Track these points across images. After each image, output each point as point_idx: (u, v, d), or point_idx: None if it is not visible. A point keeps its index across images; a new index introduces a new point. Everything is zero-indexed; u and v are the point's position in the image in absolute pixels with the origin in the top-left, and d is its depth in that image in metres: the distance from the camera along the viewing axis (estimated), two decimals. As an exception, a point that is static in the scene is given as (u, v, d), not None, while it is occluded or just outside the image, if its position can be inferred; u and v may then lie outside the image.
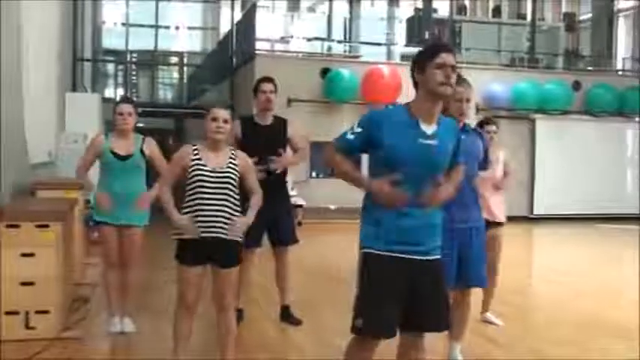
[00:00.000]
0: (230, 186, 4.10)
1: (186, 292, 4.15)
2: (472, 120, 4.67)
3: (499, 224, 5.81)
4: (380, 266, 3.15)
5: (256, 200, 4.29)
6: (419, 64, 3.19)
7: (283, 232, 5.72)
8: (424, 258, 3.20)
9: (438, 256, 3.27)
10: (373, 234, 3.18)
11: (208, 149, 4.15)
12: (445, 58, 3.13)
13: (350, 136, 3.21)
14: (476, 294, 5.68)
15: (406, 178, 3.07)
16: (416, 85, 3.23)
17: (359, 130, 3.19)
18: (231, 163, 4.14)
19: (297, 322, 5.76)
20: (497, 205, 5.78)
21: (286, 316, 5.82)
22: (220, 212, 4.05)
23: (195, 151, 4.14)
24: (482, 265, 4.51)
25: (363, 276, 3.20)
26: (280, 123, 5.72)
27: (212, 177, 4.06)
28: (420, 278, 3.17)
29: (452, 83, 3.14)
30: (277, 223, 5.65)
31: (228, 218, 4.08)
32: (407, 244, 3.15)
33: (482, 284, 4.67)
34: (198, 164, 4.08)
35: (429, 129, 3.17)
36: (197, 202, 4.04)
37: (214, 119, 4.12)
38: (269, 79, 5.74)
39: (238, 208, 4.16)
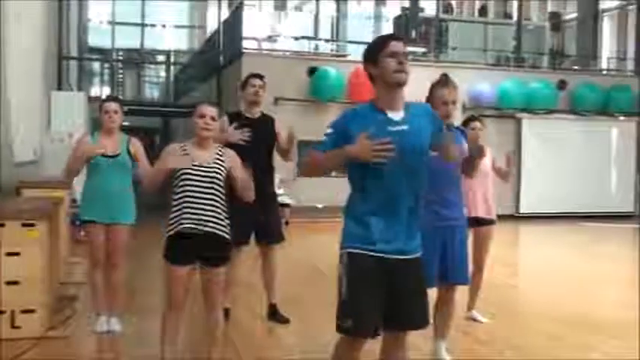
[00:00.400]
0: (217, 182, 4.10)
1: (174, 291, 4.14)
2: (456, 120, 4.70)
3: (493, 222, 5.86)
4: (362, 265, 3.15)
5: (247, 183, 4.26)
6: (371, 57, 3.20)
7: (271, 230, 5.73)
8: (404, 257, 3.20)
9: (418, 255, 3.27)
10: (354, 233, 3.18)
11: (195, 146, 4.15)
12: (396, 45, 3.16)
13: (324, 139, 3.23)
14: (461, 292, 5.73)
15: (385, 167, 3.07)
16: (372, 78, 3.24)
17: (330, 131, 3.22)
18: (217, 159, 4.14)
19: (284, 321, 5.77)
20: (493, 203, 5.84)
21: (273, 314, 5.83)
22: (208, 208, 4.05)
23: (183, 149, 4.14)
24: (465, 263, 4.55)
25: (345, 276, 3.19)
26: (268, 119, 5.76)
27: (199, 173, 4.06)
28: (400, 277, 3.17)
29: (406, 70, 3.15)
30: (265, 221, 5.67)
31: (216, 214, 4.08)
32: (387, 243, 3.15)
33: (465, 282, 4.70)
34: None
35: (396, 116, 3.18)
36: (185, 198, 4.04)
37: (202, 116, 4.12)
38: (258, 76, 5.80)
39: (225, 207, 4.16)
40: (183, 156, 4.08)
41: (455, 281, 4.55)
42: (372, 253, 3.14)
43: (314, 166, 3.31)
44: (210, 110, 4.15)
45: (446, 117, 4.34)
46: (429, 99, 4.42)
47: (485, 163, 5.77)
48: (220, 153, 4.19)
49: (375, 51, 3.19)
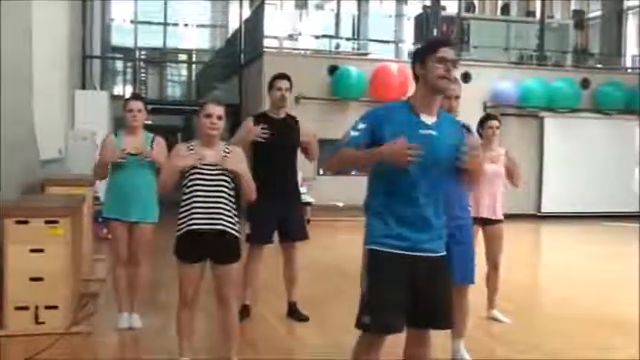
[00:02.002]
0: (225, 181, 4.12)
1: (185, 288, 4.18)
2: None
3: (501, 221, 5.82)
4: (386, 263, 3.18)
5: (250, 183, 4.25)
6: (420, 58, 3.24)
7: (294, 228, 5.74)
8: (430, 255, 3.22)
9: (443, 254, 3.29)
10: (378, 231, 3.21)
11: (202, 145, 4.17)
12: (446, 52, 3.19)
13: (354, 133, 3.22)
14: (481, 292, 5.72)
15: (409, 173, 3.11)
16: (416, 78, 3.28)
17: (363, 125, 3.22)
18: (225, 157, 4.15)
19: (303, 319, 5.78)
20: (500, 203, 5.80)
21: (293, 312, 5.85)
22: (216, 206, 4.08)
23: (191, 148, 4.17)
24: (470, 263, 4.54)
25: (368, 272, 3.22)
26: (293, 119, 5.78)
27: (207, 172, 4.08)
28: (423, 275, 3.19)
29: (452, 77, 3.21)
30: (288, 219, 5.68)
31: (225, 212, 4.10)
32: (410, 241, 3.18)
33: (470, 281, 4.68)
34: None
35: (429, 120, 3.22)
36: (193, 197, 4.07)
37: (208, 115, 4.13)
38: (284, 76, 5.76)
39: (233, 205, 4.18)
40: (189, 155, 4.11)
41: (462, 281, 4.54)
42: (394, 251, 3.17)
43: (343, 162, 3.31)
44: (217, 109, 4.15)
45: (449, 111, 4.34)
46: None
47: (497, 163, 5.75)
48: (227, 151, 4.21)
49: (425, 53, 3.23)
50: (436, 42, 3.31)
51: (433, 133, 3.19)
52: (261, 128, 5.52)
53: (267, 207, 5.41)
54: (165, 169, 4.27)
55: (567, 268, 9.36)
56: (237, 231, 4.18)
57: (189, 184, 4.09)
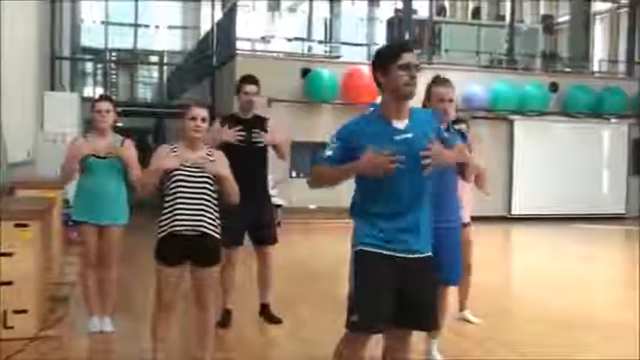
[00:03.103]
0: (208, 184, 4.12)
1: (164, 292, 4.16)
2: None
3: (469, 225, 5.87)
4: (373, 264, 3.20)
5: (233, 185, 4.26)
6: (381, 65, 3.20)
7: (264, 232, 5.73)
8: (416, 256, 3.24)
9: (429, 254, 3.32)
10: (365, 232, 3.23)
11: (186, 148, 4.17)
12: (408, 58, 3.16)
13: (328, 152, 3.24)
14: (452, 293, 5.76)
15: (393, 176, 3.11)
16: (379, 85, 3.25)
17: (336, 144, 3.23)
18: (208, 160, 4.15)
19: (276, 321, 5.78)
20: (468, 206, 5.85)
21: (266, 314, 5.84)
22: (199, 209, 4.08)
23: (174, 150, 4.16)
24: (458, 265, 4.58)
25: (356, 274, 3.24)
26: (261, 119, 5.74)
27: (190, 175, 4.08)
28: (410, 276, 3.21)
29: (416, 83, 3.17)
30: (259, 222, 5.66)
31: (208, 215, 4.10)
32: (399, 243, 3.20)
33: (455, 282, 4.74)
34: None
35: (401, 124, 3.21)
36: (176, 199, 4.06)
37: (193, 118, 4.14)
38: (251, 80, 5.70)
39: (216, 207, 4.18)
40: (171, 157, 4.10)
41: (446, 281, 4.58)
42: (381, 251, 3.20)
43: (323, 180, 3.33)
44: (201, 112, 4.16)
45: (444, 114, 4.39)
46: (426, 97, 4.46)
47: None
48: (210, 154, 4.21)
49: (387, 60, 3.18)
50: (397, 49, 3.25)
51: (408, 136, 3.19)
52: (229, 129, 5.48)
53: (235, 210, 5.41)
54: (147, 171, 4.25)
55: (538, 270, 9.47)
56: (218, 233, 4.17)
57: (172, 185, 4.08)
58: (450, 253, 4.50)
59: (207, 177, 4.12)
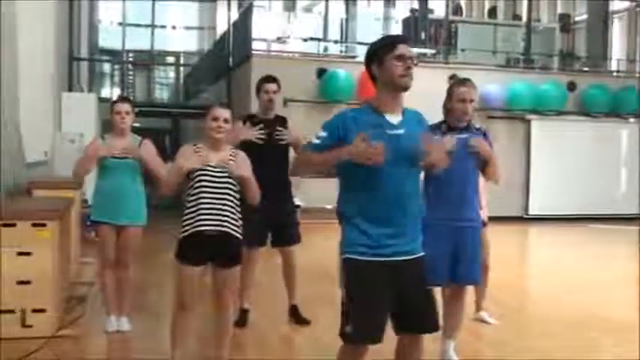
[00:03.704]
0: (231, 184, 4.14)
1: (185, 292, 4.18)
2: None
3: (486, 224, 5.84)
4: (364, 272, 3.15)
5: (255, 187, 4.29)
6: (376, 58, 3.17)
7: (288, 232, 5.71)
8: (408, 257, 3.20)
9: (420, 254, 3.27)
10: (355, 239, 3.18)
11: (209, 148, 4.18)
12: (403, 49, 3.13)
13: (316, 141, 3.21)
14: (469, 293, 5.74)
15: (381, 171, 3.07)
16: (373, 78, 3.22)
17: (324, 134, 3.20)
18: (231, 161, 4.17)
19: (304, 322, 5.73)
20: (486, 206, 5.83)
21: (294, 315, 5.80)
22: (222, 209, 4.09)
23: (197, 150, 4.17)
24: (476, 264, 4.56)
25: (348, 282, 3.19)
26: (282, 119, 5.74)
27: (214, 175, 4.10)
28: (404, 279, 3.17)
29: (412, 75, 3.13)
30: (282, 222, 5.65)
31: (231, 215, 4.12)
32: (387, 247, 3.15)
33: (476, 282, 4.73)
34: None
35: (394, 119, 3.18)
36: (199, 199, 4.08)
37: (215, 119, 4.15)
38: (272, 79, 5.73)
39: (238, 208, 4.20)
40: (195, 156, 4.11)
41: (466, 281, 4.57)
42: (372, 258, 3.14)
43: (309, 165, 3.30)
44: (223, 112, 4.18)
45: (464, 114, 4.39)
46: (447, 97, 4.46)
47: None
48: (233, 155, 4.23)
49: (382, 52, 3.16)
50: (392, 40, 3.23)
51: (400, 132, 3.16)
52: (252, 127, 5.49)
53: (257, 210, 5.42)
54: (171, 170, 4.29)
55: (554, 270, 9.41)
56: (240, 234, 4.19)
57: (196, 185, 4.10)
58: (472, 253, 4.49)
59: (230, 178, 4.13)
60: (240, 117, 5.79)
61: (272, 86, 5.68)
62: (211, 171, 4.10)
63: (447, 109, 4.49)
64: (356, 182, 3.17)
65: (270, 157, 5.44)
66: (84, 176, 5.49)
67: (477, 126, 4.60)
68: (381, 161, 3.02)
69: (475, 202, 4.53)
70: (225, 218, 4.10)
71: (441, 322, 4.53)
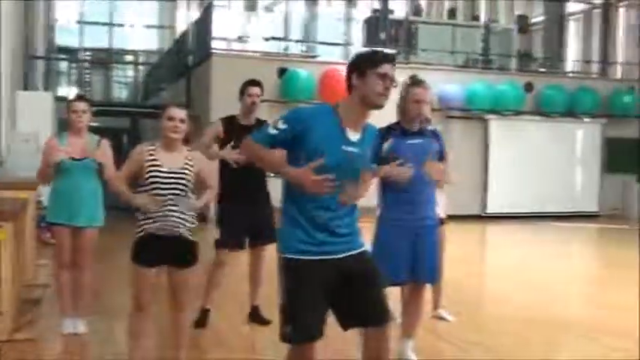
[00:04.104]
0: (184, 186, 4.11)
1: (141, 293, 4.14)
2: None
3: (442, 222, 5.90)
4: (304, 271, 3.13)
5: (210, 194, 4.32)
6: (360, 69, 3.15)
7: (264, 231, 5.57)
8: (349, 254, 3.20)
9: (364, 248, 3.28)
10: (295, 237, 3.16)
11: (164, 149, 4.15)
12: (388, 69, 3.12)
13: (273, 131, 3.13)
14: (428, 291, 5.79)
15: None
16: (350, 87, 3.19)
17: (284, 126, 3.11)
18: (186, 163, 4.14)
19: (265, 322, 5.68)
20: (441, 203, 5.88)
21: (255, 316, 5.77)
22: (176, 211, 4.06)
23: (151, 151, 4.14)
24: (434, 262, 4.60)
25: (286, 282, 3.17)
26: (262, 124, 5.70)
27: (167, 177, 4.06)
28: (350, 274, 3.17)
29: (388, 96, 3.14)
30: (259, 223, 5.57)
31: (184, 217, 4.10)
32: (329, 245, 3.15)
33: (434, 281, 4.76)
34: (153, 164, 4.08)
35: (354, 136, 3.17)
36: None
37: (171, 118, 4.12)
38: (256, 83, 5.75)
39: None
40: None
41: (424, 280, 4.61)
42: (311, 257, 3.13)
43: (250, 154, 3.27)
44: (179, 112, 4.15)
45: (418, 115, 4.42)
46: (401, 98, 4.47)
47: None
48: (189, 156, 4.20)
49: (366, 65, 3.14)
50: (379, 57, 3.20)
51: (355, 150, 3.15)
52: (226, 132, 5.45)
53: (236, 212, 5.40)
54: (117, 177, 4.32)
55: (512, 268, 9.56)
56: (191, 235, 4.16)
57: (149, 188, 4.06)
58: (431, 252, 4.53)
59: (184, 179, 4.10)
60: (221, 119, 5.72)
61: (256, 90, 5.68)
62: (164, 172, 4.07)
63: (402, 109, 4.49)
64: (298, 188, 3.12)
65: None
66: (49, 180, 5.39)
67: (430, 128, 4.64)
68: (322, 195, 3.03)
69: (430, 201, 4.57)
70: (177, 220, 4.07)
71: (398, 320, 4.62)
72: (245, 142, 3.26)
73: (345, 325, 3.28)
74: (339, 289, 3.17)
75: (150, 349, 4.69)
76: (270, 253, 5.69)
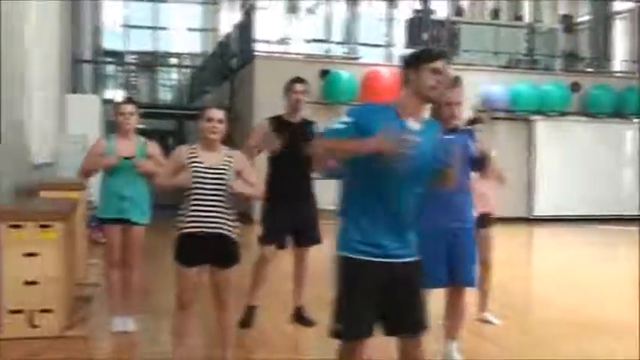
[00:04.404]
0: (225, 184, 4.15)
1: (183, 292, 4.22)
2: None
3: (489, 224, 5.84)
4: (359, 270, 3.19)
5: (252, 189, 4.31)
6: (414, 64, 3.25)
7: (308, 233, 5.66)
8: (400, 261, 3.23)
9: (415, 258, 3.30)
10: (353, 237, 3.20)
11: (203, 149, 4.22)
12: (441, 65, 3.23)
13: (340, 126, 3.22)
14: (474, 294, 5.76)
15: (392, 173, 3.10)
16: (404, 82, 3.28)
17: (350, 119, 3.21)
18: (226, 162, 4.20)
19: (310, 324, 5.71)
20: (495, 200, 5.84)
21: (300, 317, 5.79)
22: (217, 210, 4.12)
23: (192, 151, 4.21)
24: (472, 266, 4.58)
25: (341, 280, 3.23)
26: (309, 123, 5.73)
27: (208, 175, 4.13)
28: (398, 281, 3.21)
29: (441, 89, 3.24)
30: (303, 223, 5.62)
31: (225, 215, 4.15)
32: (387, 248, 3.19)
33: (472, 284, 4.73)
34: (194, 163, 4.15)
35: (414, 126, 3.23)
36: (194, 200, 4.12)
37: (209, 119, 4.20)
38: (301, 80, 5.76)
39: (232, 209, 4.22)
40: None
41: (461, 282, 4.59)
42: (368, 258, 3.18)
43: (333, 150, 3.26)
44: (218, 113, 4.23)
45: (451, 117, 4.42)
46: None
47: None
48: (229, 155, 4.26)
49: (420, 60, 3.25)
50: (433, 54, 3.32)
51: (418, 139, 3.17)
52: (277, 132, 5.47)
53: (281, 211, 5.44)
54: (164, 173, 4.38)
55: (558, 271, 9.43)
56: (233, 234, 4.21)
57: (192, 185, 4.13)
58: (467, 254, 4.51)
59: (225, 178, 4.15)
60: (268, 119, 5.77)
61: (300, 86, 5.69)
62: (204, 172, 4.13)
63: (434, 111, 4.48)
64: (362, 181, 3.20)
65: (294, 160, 5.43)
66: (89, 177, 5.54)
67: (465, 127, 4.63)
68: (405, 156, 3.02)
69: (465, 204, 4.55)
70: (219, 219, 4.13)
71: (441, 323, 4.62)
72: (315, 140, 3.36)
73: (386, 332, 3.31)
74: (387, 293, 3.21)
75: (195, 348, 4.78)
76: (314, 254, 5.82)
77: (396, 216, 3.20)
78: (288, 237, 5.66)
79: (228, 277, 4.25)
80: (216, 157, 4.20)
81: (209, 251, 4.14)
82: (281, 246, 5.67)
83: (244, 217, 4.37)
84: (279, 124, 5.62)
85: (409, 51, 3.50)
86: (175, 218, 4.21)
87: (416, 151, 3.08)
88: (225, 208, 4.17)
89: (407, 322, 3.28)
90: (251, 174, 4.35)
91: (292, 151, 5.42)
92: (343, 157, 3.26)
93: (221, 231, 4.14)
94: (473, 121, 5.91)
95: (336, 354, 3.32)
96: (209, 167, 4.14)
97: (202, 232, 4.10)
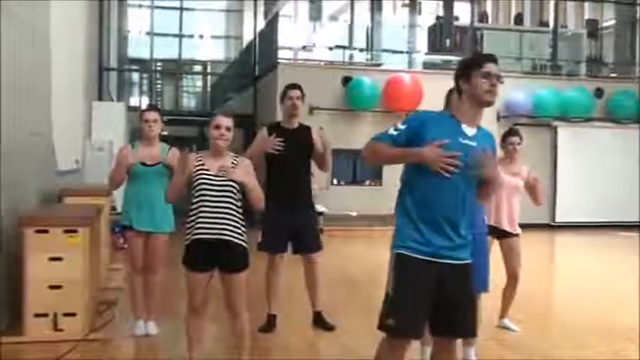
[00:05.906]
0: (232, 191, 4.18)
1: (192, 297, 4.27)
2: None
3: (518, 235, 5.83)
4: (413, 268, 3.26)
5: (257, 193, 4.29)
6: (465, 73, 3.34)
7: (308, 239, 5.77)
8: (456, 262, 3.30)
9: (469, 261, 3.37)
10: (408, 235, 3.29)
11: (211, 156, 4.27)
12: (491, 67, 3.31)
13: (393, 132, 3.33)
14: (495, 299, 5.76)
15: (445, 180, 3.21)
16: (459, 92, 3.37)
17: (403, 127, 3.32)
18: (228, 167, 4.21)
19: (329, 328, 5.79)
20: (517, 216, 5.81)
21: (319, 321, 5.87)
22: (224, 216, 4.15)
23: (199, 158, 4.26)
24: (482, 272, 4.60)
25: (395, 276, 3.31)
26: (305, 129, 5.83)
27: (215, 182, 4.16)
28: (449, 283, 3.28)
29: (496, 92, 3.30)
30: (301, 230, 5.71)
31: (232, 222, 4.18)
32: (441, 248, 3.27)
33: (482, 290, 4.73)
34: (201, 170, 4.20)
35: (470, 131, 3.33)
36: (201, 206, 4.15)
37: (217, 127, 4.23)
38: (296, 86, 5.86)
39: (240, 214, 4.25)
40: (189, 160, 4.18)
41: (475, 289, 4.58)
42: (422, 257, 3.26)
43: (378, 156, 3.42)
44: (225, 121, 4.26)
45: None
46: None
47: (517, 177, 5.73)
48: (235, 162, 4.28)
49: (470, 68, 3.33)
50: (481, 58, 3.41)
51: (472, 143, 3.30)
52: (275, 138, 5.60)
53: (279, 217, 5.51)
54: (173, 179, 4.38)
55: (579, 278, 9.36)
56: (243, 240, 4.23)
57: (197, 194, 4.18)
58: (478, 260, 4.51)
59: (231, 184, 4.17)
60: (266, 125, 5.91)
61: (295, 92, 5.78)
62: (211, 178, 4.17)
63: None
64: (419, 182, 3.30)
65: (292, 166, 5.55)
66: (118, 186, 5.62)
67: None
68: (451, 172, 3.18)
69: (477, 211, 4.55)
70: (225, 225, 4.15)
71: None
72: (367, 143, 3.44)
73: (433, 332, 3.39)
74: (439, 293, 3.28)
75: (212, 353, 4.83)
76: (321, 260, 5.85)
77: (449, 218, 3.28)
78: (286, 240, 5.73)
79: (237, 282, 4.25)
80: (223, 163, 4.22)
81: (216, 257, 4.17)
82: (281, 250, 5.73)
83: (247, 221, 4.33)
84: (276, 130, 5.70)
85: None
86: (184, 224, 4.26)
87: (468, 157, 3.21)
88: (232, 213, 4.18)
89: (457, 326, 3.35)
90: (255, 182, 4.31)
91: (289, 156, 5.50)
92: (392, 163, 3.43)
93: (228, 237, 4.15)
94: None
95: (378, 348, 3.37)
96: (215, 174, 4.16)
97: (209, 238, 4.13)
